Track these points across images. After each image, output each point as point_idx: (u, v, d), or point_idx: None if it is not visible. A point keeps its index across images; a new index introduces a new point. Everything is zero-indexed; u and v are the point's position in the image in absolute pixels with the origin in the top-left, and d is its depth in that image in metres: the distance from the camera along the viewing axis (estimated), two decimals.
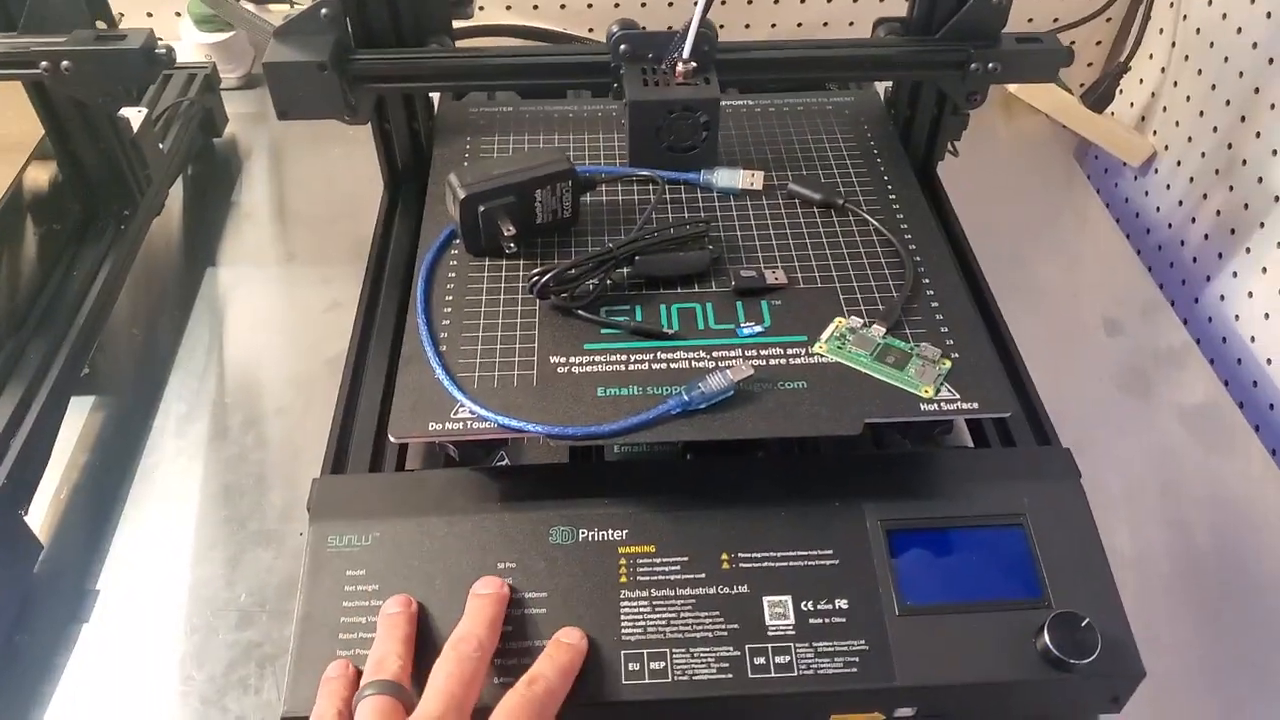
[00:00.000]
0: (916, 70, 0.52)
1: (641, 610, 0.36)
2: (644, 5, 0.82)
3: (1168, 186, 0.75)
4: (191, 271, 0.65)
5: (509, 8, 0.82)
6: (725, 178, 0.50)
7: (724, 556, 0.38)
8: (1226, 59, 0.68)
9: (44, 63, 0.49)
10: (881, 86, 0.60)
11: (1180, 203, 0.74)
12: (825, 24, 0.84)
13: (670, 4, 0.82)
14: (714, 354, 0.41)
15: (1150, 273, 0.68)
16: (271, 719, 0.42)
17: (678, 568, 0.37)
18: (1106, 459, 0.55)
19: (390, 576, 0.37)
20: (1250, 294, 0.65)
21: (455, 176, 0.45)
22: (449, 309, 0.43)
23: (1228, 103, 0.68)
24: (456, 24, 0.53)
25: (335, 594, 0.37)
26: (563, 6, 0.82)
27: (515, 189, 0.44)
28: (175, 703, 0.43)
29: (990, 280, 0.52)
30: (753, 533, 0.38)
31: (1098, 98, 0.77)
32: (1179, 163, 0.74)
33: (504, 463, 0.44)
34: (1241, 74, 0.67)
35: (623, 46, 0.48)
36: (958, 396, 0.39)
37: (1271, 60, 0.64)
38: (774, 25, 0.85)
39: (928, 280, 0.45)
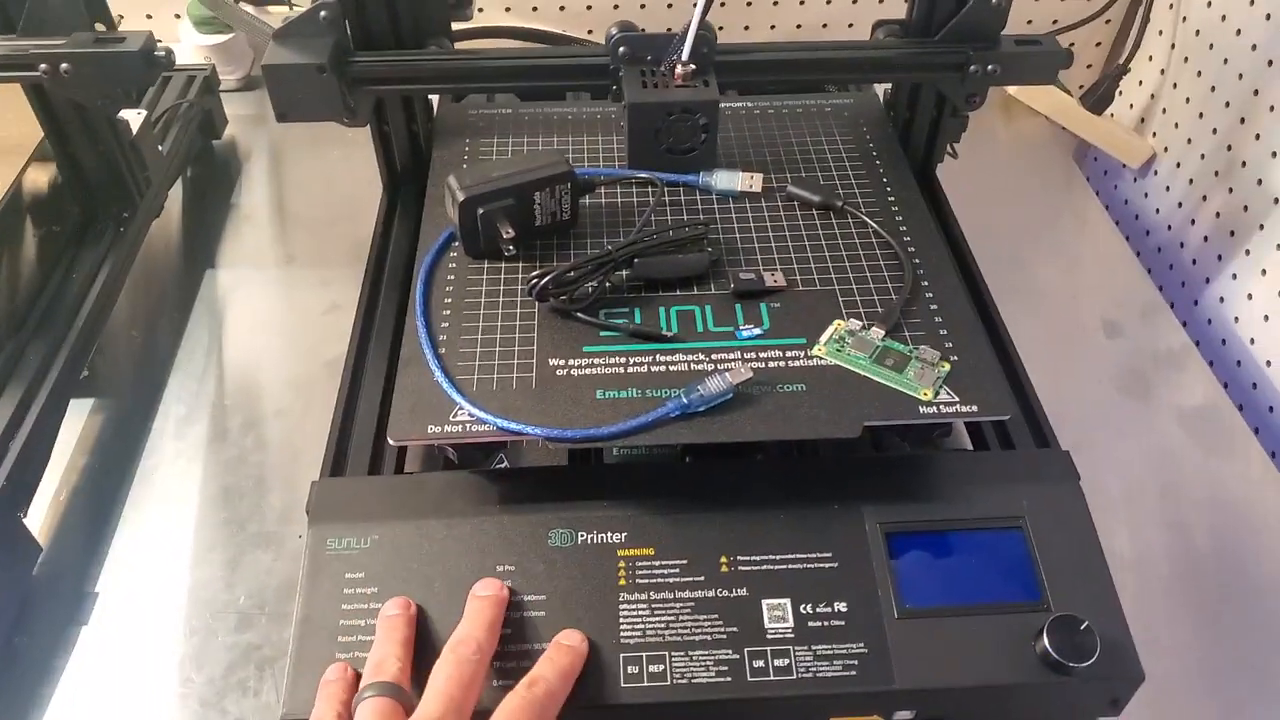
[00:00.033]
0: (916, 72, 0.52)
1: (640, 613, 0.36)
2: (643, 7, 0.82)
3: (1167, 188, 0.75)
4: (191, 273, 0.65)
5: (508, 9, 0.82)
6: (724, 180, 0.50)
7: (723, 559, 0.38)
8: (1226, 61, 0.68)
9: (43, 65, 0.49)
10: (880, 88, 0.60)
11: (1180, 204, 0.74)
12: (824, 25, 0.84)
13: (669, 5, 0.82)
14: (713, 356, 0.41)
15: (1149, 275, 0.68)
16: None
17: (677, 570, 0.37)
18: (1106, 461, 0.55)
19: (389, 579, 0.37)
20: (1250, 296, 0.65)
21: (454, 179, 0.45)
22: (448, 311, 0.43)
23: (1227, 104, 0.68)
24: (455, 26, 0.53)
25: (334, 596, 0.37)
26: (562, 8, 0.82)
27: (514, 191, 0.44)
28: (174, 705, 0.43)
29: (989, 282, 0.52)
30: (752, 535, 0.38)
31: (1097, 99, 0.77)
32: (1178, 164, 0.74)
33: (503, 465, 0.44)
34: (1241, 76, 0.67)
35: (622, 49, 0.48)
36: (957, 399, 0.39)
37: (1271, 62, 0.64)
38: (773, 27, 0.85)
39: (927, 283, 0.45)
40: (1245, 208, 0.66)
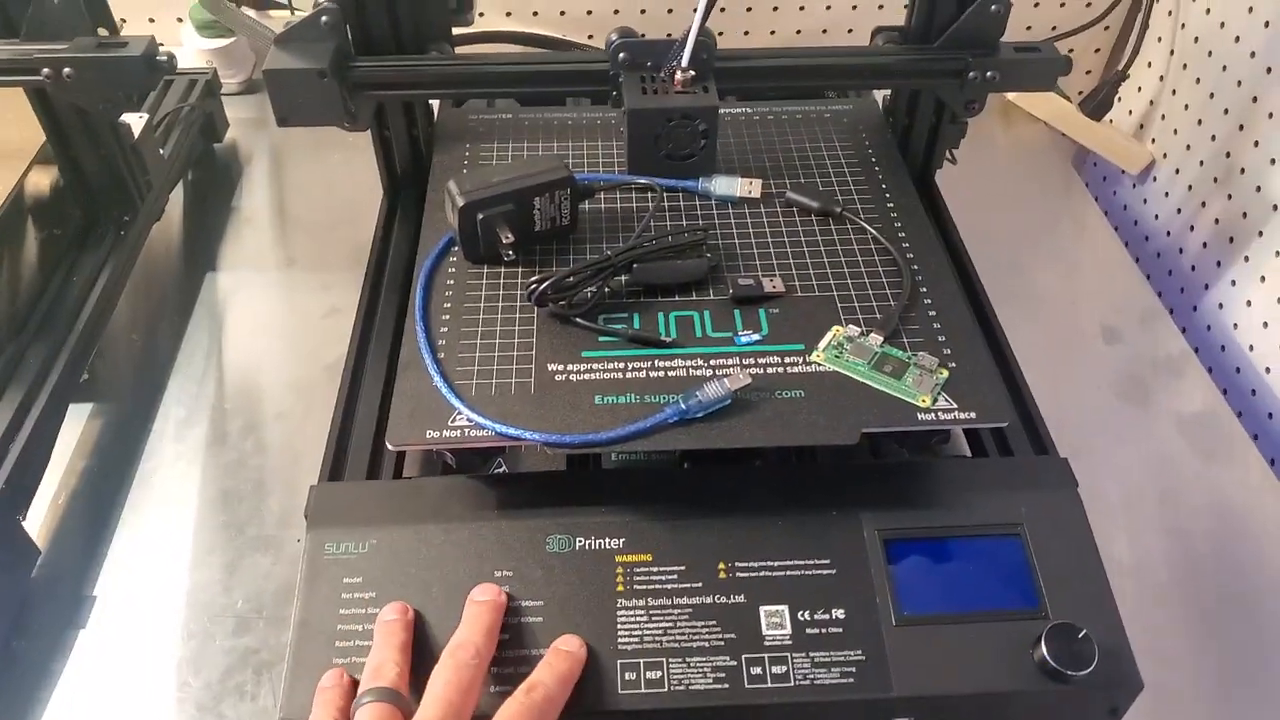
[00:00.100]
0: (915, 79, 0.52)
1: (638, 619, 0.36)
2: (643, 12, 0.82)
3: (1166, 194, 0.76)
4: (191, 276, 0.65)
5: (509, 14, 0.82)
6: (723, 185, 0.50)
7: (721, 566, 0.38)
8: (1225, 68, 0.68)
9: (46, 70, 0.49)
10: (880, 94, 0.60)
11: (1179, 211, 0.74)
12: (824, 31, 0.84)
13: (670, 11, 0.82)
14: (711, 362, 0.41)
15: (1149, 281, 0.68)
16: None
17: (675, 577, 0.37)
18: (1105, 467, 0.55)
19: (387, 584, 0.37)
20: (1249, 302, 0.65)
21: (454, 184, 0.45)
22: (447, 316, 0.43)
23: (1226, 111, 0.68)
24: (456, 31, 0.53)
25: (332, 601, 0.37)
26: (562, 14, 0.82)
27: (514, 197, 0.45)
28: (172, 709, 0.43)
29: (988, 288, 0.52)
30: (750, 542, 0.38)
31: (1096, 106, 0.77)
32: (1177, 171, 0.74)
33: (501, 470, 0.44)
34: (1240, 83, 0.67)
35: (622, 55, 0.48)
36: (955, 406, 0.39)
37: (1269, 69, 0.64)
38: (773, 33, 0.85)
39: (925, 289, 0.45)
40: (1244, 214, 0.66)
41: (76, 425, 0.55)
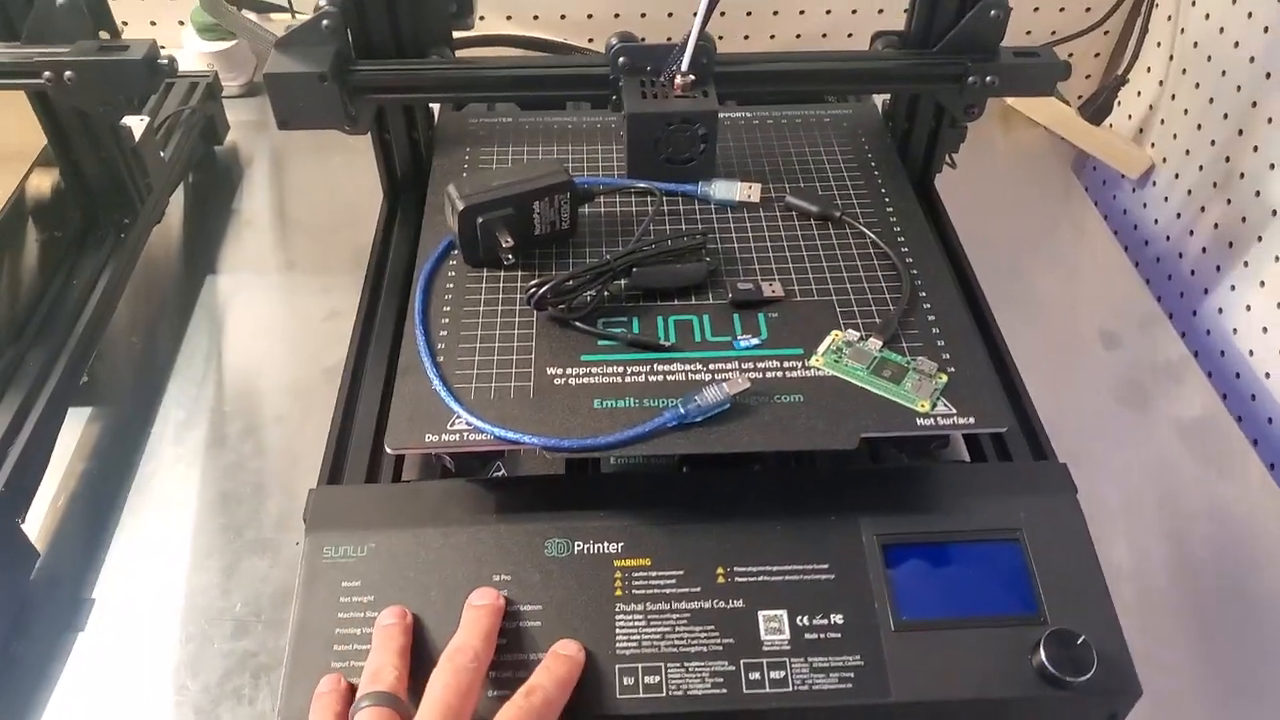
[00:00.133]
0: (914, 83, 0.53)
1: (636, 624, 0.36)
2: (643, 16, 0.83)
3: (1165, 199, 0.76)
4: (191, 279, 0.65)
5: (509, 18, 0.82)
6: (723, 190, 0.50)
7: (719, 570, 0.38)
8: (1224, 73, 0.68)
9: (47, 73, 0.49)
10: (879, 99, 0.60)
11: (1178, 215, 0.74)
12: (824, 35, 0.85)
13: (670, 15, 0.82)
14: (710, 366, 0.41)
15: (1148, 285, 0.68)
16: None
17: (673, 581, 0.37)
18: (1104, 472, 0.55)
19: (386, 588, 0.37)
20: (1248, 307, 0.66)
21: (454, 188, 0.45)
22: (447, 319, 0.43)
23: (1225, 116, 0.68)
24: (456, 34, 0.54)
25: (330, 605, 0.37)
26: (563, 17, 0.82)
27: (514, 200, 0.45)
28: (169, 712, 0.43)
29: (987, 293, 0.52)
30: (748, 546, 0.38)
31: (1095, 110, 0.78)
32: (1177, 175, 0.74)
33: (500, 474, 0.44)
34: (1239, 88, 0.67)
35: (622, 59, 0.48)
36: (954, 411, 0.39)
37: (1269, 74, 0.64)
38: (772, 37, 0.85)
39: (925, 293, 0.45)
40: (1243, 219, 0.66)
41: (76, 428, 0.55)
